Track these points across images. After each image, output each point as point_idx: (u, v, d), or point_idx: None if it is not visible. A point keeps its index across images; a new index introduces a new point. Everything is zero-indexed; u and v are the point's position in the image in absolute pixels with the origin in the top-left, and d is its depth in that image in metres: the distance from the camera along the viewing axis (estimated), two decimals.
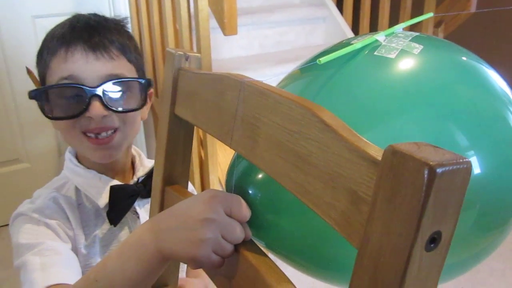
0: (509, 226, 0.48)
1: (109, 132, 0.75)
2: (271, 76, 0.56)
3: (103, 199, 0.77)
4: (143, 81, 0.78)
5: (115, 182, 0.79)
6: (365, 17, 2.27)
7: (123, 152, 0.81)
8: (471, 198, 0.42)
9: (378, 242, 0.29)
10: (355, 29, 2.34)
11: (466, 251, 0.47)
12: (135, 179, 0.82)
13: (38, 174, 2.18)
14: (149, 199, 0.81)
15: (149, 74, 2.09)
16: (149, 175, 0.82)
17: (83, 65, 0.72)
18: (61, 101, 0.74)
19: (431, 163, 0.26)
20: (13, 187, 2.25)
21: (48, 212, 0.75)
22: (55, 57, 0.73)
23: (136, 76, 0.80)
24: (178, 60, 0.56)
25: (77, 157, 0.82)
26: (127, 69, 0.77)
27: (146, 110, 0.84)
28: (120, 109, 0.74)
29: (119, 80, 0.74)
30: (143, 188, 0.80)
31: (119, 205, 0.77)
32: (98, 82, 0.72)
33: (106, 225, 0.78)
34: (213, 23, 1.46)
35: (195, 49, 1.56)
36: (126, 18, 0.85)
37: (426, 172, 0.26)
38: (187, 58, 0.56)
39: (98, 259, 0.77)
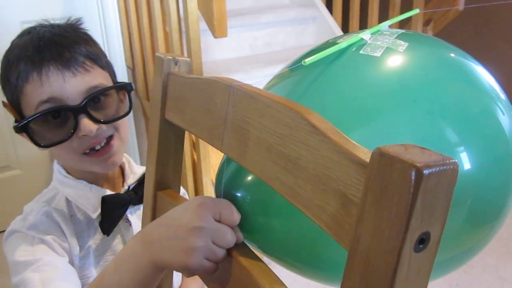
0: (500, 221, 0.49)
1: (103, 142, 0.74)
2: (262, 77, 0.56)
3: (95, 210, 0.76)
4: (124, 85, 0.77)
5: (106, 191, 0.79)
6: (354, 17, 2.28)
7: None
8: (461, 194, 0.42)
9: (367, 243, 0.29)
10: (345, 28, 2.35)
11: (457, 247, 0.47)
12: (125, 187, 0.82)
13: (29, 181, 2.16)
14: (141, 206, 0.81)
15: (140, 78, 2.09)
16: (140, 182, 0.81)
17: (61, 85, 0.69)
18: (49, 126, 0.71)
19: (418, 164, 0.26)
20: (4, 194, 2.23)
21: (42, 228, 0.74)
22: (29, 83, 0.70)
23: (112, 80, 0.78)
24: (167, 64, 0.56)
25: (65, 168, 0.81)
26: (103, 77, 0.75)
27: None
28: (109, 119, 0.73)
29: (100, 91, 0.72)
30: (135, 196, 0.80)
31: (111, 215, 0.77)
32: (80, 99, 0.70)
33: (99, 235, 0.78)
34: (203, 25, 1.46)
35: (185, 52, 1.56)
36: (78, 19, 0.82)
37: (413, 173, 0.26)
38: (176, 62, 0.56)
39: (93, 270, 0.77)
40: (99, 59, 0.75)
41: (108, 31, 2.14)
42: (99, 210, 0.76)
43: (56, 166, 0.81)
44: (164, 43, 1.74)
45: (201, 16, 1.45)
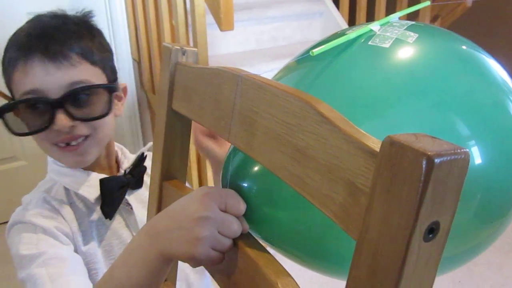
0: (509, 218, 0.48)
1: (79, 140, 0.74)
2: (268, 71, 0.55)
3: (94, 193, 0.77)
4: (106, 86, 0.76)
5: (104, 176, 0.79)
6: (361, 11, 2.27)
7: (106, 150, 0.82)
8: (471, 188, 0.42)
9: (376, 232, 0.29)
10: (352, 23, 2.34)
11: (465, 243, 0.47)
12: (121, 171, 0.83)
13: (35, 171, 2.17)
14: (140, 190, 0.82)
15: (146, 71, 2.08)
16: (135, 165, 0.83)
17: (43, 77, 0.70)
18: (27, 116, 0.72)
19: (429, 153, 0.25)
20: (10, 184, 2.24)
21: (43, 215, 0.74)
22: (16, 70, 0.71)
23: (103, 77, 0.77)
24: (175, 54, 0.56)
25: None
26: (91, 74, 0.74)
27: (121, 107, 0.83)
28: (86, 117, 0.73)
29: (82, 87, 0.72)
30: (132, 179, 0.81)
31: (111, 197, 0.77)
32: (60, 93, 0.70)
33: (100, 220, 0.78)
34: (210, 18, 1.45)
35: (191, 45, 1.56)
36: (90, 12, 0.82)
37: (424, 162, 0.26)
38: (184, 52, 0.56)
39: (99, 255, 0.77)
40: (92, 55, 0.75)
41: (114, 24, 2.14)
42: (98, 193, 0.76)
43: (50, 158, 0.81)
44: (171, 36, 1.73)
45: (207, 9, 1.45)
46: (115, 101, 0.80)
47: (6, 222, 0.78)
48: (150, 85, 2.10)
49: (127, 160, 0.86)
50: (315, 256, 0.49)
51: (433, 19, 2.28)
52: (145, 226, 0.52)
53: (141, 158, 0.83)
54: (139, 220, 0.80)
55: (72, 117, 0.71)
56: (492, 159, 0.43)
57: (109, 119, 0.77)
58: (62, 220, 0.75)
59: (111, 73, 0.80)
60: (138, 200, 0.83)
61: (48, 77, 0.70)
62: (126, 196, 0.80)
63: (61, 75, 0.70)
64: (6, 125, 0.72)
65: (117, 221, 0.80)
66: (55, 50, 0.70)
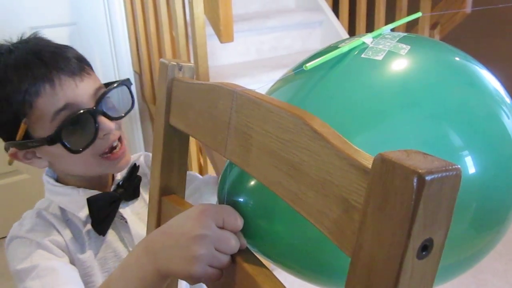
0: (506, 226, 0.48)
1: (116, 142, 0.77)
2: (268, 82, 0.56)
3: (84, 212, 0.77)
4: (125, 81, 0.79)
5: (94, 192, 0.79)
6: (361, 20, 2.27)
7: None
8: (466, 198, 0.42)
9: (370, 250, 0.29)
10: (352, 32, 2.34)
11: (463, 252, 0.47)
12: (114, 185, 0.82)
13: (37, 185, 2.18)
14: (135, 200, 0.82)
15: (146, 82, 2.09)
16: (128, 176, 0.82)
17: (74, 91, 0.71)
18: (70, 132, 0.71)
19: (420, 171, 0.25)
20: (13, 198, 2.24)
21: (38, 229, 0.75)
22: (40, 96, 0.70)
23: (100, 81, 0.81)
24: (172, 70, 0.56)
25: (56, 179, 0.81)
26: (98, 79, 0.78)
27: None
28: (121, 115, 0.77)
29: (108, 90, 0.75)
30: (124, 192, 0.80)
31: (101, 214, 0.77)
32: (93, 101, 0.73)
33: (95, 234, 0.78)
34: (210, 30, 1.46)
35: (191, 57, 1.57)
36: (36, 33, 0.80)
37: (415, 180, 0.26)
38: (180, 68, 0.56)
39: (95, 268, 0.77)
40: (88, 63, 0.78)
41: (115, 36, 2.16)
42: (87, 212, 0.76)
43: (45, 178, 0.82)
44: (171, 48, 1.74)
45: (207, 21, 1.45)
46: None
47: None
48: (151, 97, 2.11)
49: (121, 172, 0.85)
50: (312, 269, 0.49)
51: (433, 27, 2.28)
52: (143, 241, 0.52)
53: (133, 169, 0.83)
54: (134, 233, 0.80)
55: (112, 118, 0.74)
56: (486, 169, 0.43)
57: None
58: (57, 233, 0.76)
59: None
60: (134, 212, 0.83)
61: (78, 90, 0.72)
62: (120, 209, 0.80)
63: (86, 86, 0.73)
64: (66, 148, 0.71)
65: (111, 235, 0.80)
66: (72, 64, 0.73)
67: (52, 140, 0.71)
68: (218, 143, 0.47)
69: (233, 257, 0.48)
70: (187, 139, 0.60)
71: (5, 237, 0.77)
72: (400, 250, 0.27)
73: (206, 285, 0.54)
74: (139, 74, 2.21)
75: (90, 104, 0.73)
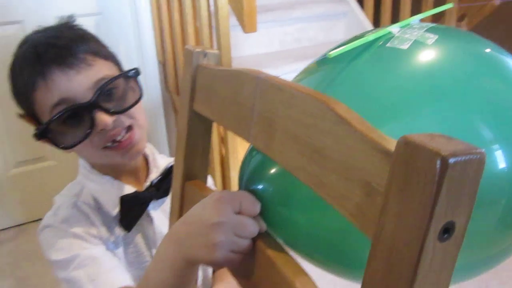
0: None
1: (123, 133, 0.74)
2: (291, 72, 0.56)
3: (115, 208, 0.77)
4: (130, 72, 0.76)
5: (128, 188, 0.80)
6: (386, 11, 2.24)
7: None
8: (495, 193, 0.41)
9: (391, 232, 0.29)
10: (376, 24, 2.32)
11: (491, 249, 0.46)
12: (147, 182, 0.82)
13: (63, 171, 2.22)
14: (165, 199, 0.81)
15: (170, 72, 2.11)
16: (163, 176, 0.82)
17: (68, 85, 0.70)
18: (66, 127, 0.72)
19: (443, 153, 0.26)
20: (39, 184, 2.30)
21: (73, 221, 0.76)
22: (36, 90, 0.71)
23: (117, 69, 0.78)
24: (197, 57, 0.57)
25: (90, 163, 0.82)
26: (107, 68, 0.75)
27: None
28: (123, 108, 0.73)
29: (108, 82, 0.72)
30: (156, 192, 0.80)
31: (131, 213, 0.78)
32: (90, 94, 0.70)
33: (122, 229, 0.80)
34: (233, 20, 1.47)
35: (215, 47, 1.57)
36: (71, 16, 0.81)
37: (438, 162, 0.26)
38: (205, 55, 0.57)
39: (123, 260, 0.79)
40: (100, 51, 0.76)
41: (140, 26, 2.18)
42: (118, 208, 0.77)
43: (81, 161, 0.82)
44: (195, 38, 1.75)
45: (231, 11, 1.46)
46: None
47: (37, 220, 0.80)
48: (175, 86, 2.13)
49: (156, 169, 0.85)
50: (331, 259, 0.49)
51: (460, 19, 2.24)
52: (168, 232, 0.55)
53: (170, 171, 0.82)
54: (157, 232, 0.80)
55: (111, 112, 0.71)
56: None
57: (140, 104, 0.77)
58: (91, 224, 0.77)
59: (120, 65, 0.81)
60: (162, 210, 0.83)
61: (72, 83, 0.70)
62: (149, 209, 0.81)
63: (83, 78, 0.71)
64: (53, 142, 0.72)
65: (135, 231, 0.81)
66: (67, 56, 0.71)
67: (41, 135, 0.71)
68: (242, 129, 0.48)
69: (253, 241, 0.49)
70: (211, 126, 0.61)
71: (32, 221, 0.79)
72: (422, 232, 0.27)
73: (229, 270, 0.55)
74: (163, 64, 2.23)
75: (87, 97, 0.70)
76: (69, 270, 0.71)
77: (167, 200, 0.83)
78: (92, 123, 0.70)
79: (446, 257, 0.28)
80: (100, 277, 0.70)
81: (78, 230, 0.75)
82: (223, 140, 1.83)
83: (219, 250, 0.47)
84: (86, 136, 0.71)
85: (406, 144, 0.27)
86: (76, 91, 0.70)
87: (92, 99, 0.70)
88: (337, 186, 0.35)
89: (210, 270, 0.93)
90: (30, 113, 0.75)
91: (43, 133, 0.71)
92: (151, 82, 2.23)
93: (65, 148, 0.73)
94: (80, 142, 0.71)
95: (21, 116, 0.76)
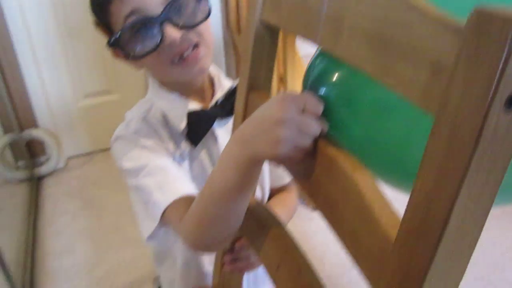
0: None
1: (190, 49, 0.76)
2: None
3: (182, 123, 0.82)
4: None
5: (194, 105, 0.83)
6: None
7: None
8: None
9: (455, 106, 0.30)
10: None
11: None
12: (213, 101, 0.86)
13: (126, 105, 2.33)
14: (229, 119, 0.85)
15: (232, 10, 2.11)
16: (227, 96, 0.85)
17: None
18: (136, 38, 0.74)
19: None
20: (105, 116, 2.42)
21: (143, 133, 0.81)
22: (111, 3, 0.73)
23: None
24: None
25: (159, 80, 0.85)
26: None
27: None
28: (192, 24, 0.75)
29: None
30: (221, 111, 0.84)
31: (197, 128, 0.82)
32: (161, 8, 0.72)
33: (188, 145, 0.84)
34: None
35: None
36: None
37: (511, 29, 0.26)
38: None
39: (188, 175, 0.84)
40: None
41: None
42: (185, 123, 0.81)
43: (151, 79, 0.86)
44: None
45: None
46: None
47: (103, 150, 0.86)
48: (236, 25, 2.14)
49: (221, 89, 0.88)
50: (387, 165, 0.50)
51: None
52: (234, 134, 0.57)
53: (234, 91, 0.84)
54: (222, 150, 0.85)
55: (180, 27, 0.74)
56: None
57: (209, 24, 0.79)
58: (160, 139, 0.83)
59: None
60: (226, 130, 0.87)
61: None
62: (214, 127, 0.85)
63: None
64: (123, 50, 0.75)
65: (202, 149, 0.86)
66: None
67: (113, 43, 0.74)
68: (310, 31, 0.49)
69: (314, 142, 0.51)
70: (277, 37, 0.62)
71: (99, 150, 0.85)
72: (487, 100, 0.28)
73: (288, 170, 0.57)
74: (225, 1, 2.24)
75: (158, 11, 0.72)
76: (139, 177, 0.77)
77: (231, 121, 0.87)
78: (162, 37, 0.73)
79: (509, 130, 0.29)
80: (167, 185, 0.75)
81: (148, 141, 0.80)
82: (282, 80, 1.84)
83: (283, 146, 0.49)
84: (155, 48, 0.73)
85: (478, 14, 0.28)
86: (148, 3, 0.72)
87: (163, 13, 0.72)
88: (403, 72, 0.36)
89: (266, 191, 0.97)
90: (105, 25, 0.78)
91: (116, 41, 0.74)
92: (211, 20, 2.24)
93: (135, 57, 0.76)
94: (148, 53, 0.74)
95: (96, 24, 0.80)
